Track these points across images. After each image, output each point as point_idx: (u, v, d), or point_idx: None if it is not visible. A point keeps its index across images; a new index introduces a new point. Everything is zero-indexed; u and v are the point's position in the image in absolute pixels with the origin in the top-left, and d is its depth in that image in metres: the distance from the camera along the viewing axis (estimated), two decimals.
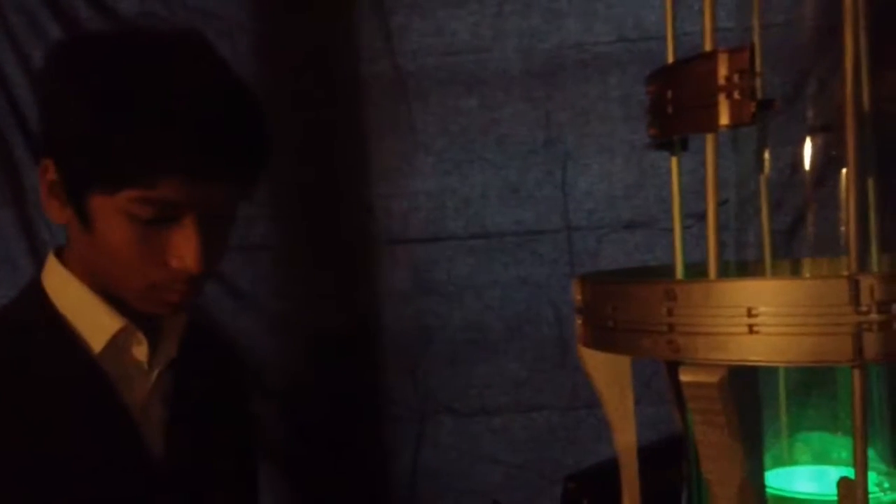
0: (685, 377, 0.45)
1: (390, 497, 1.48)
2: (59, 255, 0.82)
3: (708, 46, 0.49)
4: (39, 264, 0.84)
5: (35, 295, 0.81)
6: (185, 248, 0.74)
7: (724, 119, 0.47)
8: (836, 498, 0.49)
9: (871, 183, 0.64)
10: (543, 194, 1.39)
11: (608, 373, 0.59)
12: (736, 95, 0.47)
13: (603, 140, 1.36)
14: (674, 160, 0.60)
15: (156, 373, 0.82)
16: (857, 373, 0.45)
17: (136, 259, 0.75)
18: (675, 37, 0.59)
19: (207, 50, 0.78)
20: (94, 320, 0.79)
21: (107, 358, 0.79)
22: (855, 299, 0.42)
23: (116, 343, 0.79)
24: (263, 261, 1.47)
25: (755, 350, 0.43)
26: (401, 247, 1.45)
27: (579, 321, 0.57)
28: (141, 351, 0.81)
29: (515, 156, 1.40)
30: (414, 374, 1.45)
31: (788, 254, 0.70)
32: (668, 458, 0.67)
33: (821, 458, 0.62)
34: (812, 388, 0.63)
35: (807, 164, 0.69)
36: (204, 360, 0.90)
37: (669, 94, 0.51)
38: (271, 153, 0.81)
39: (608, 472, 0.62)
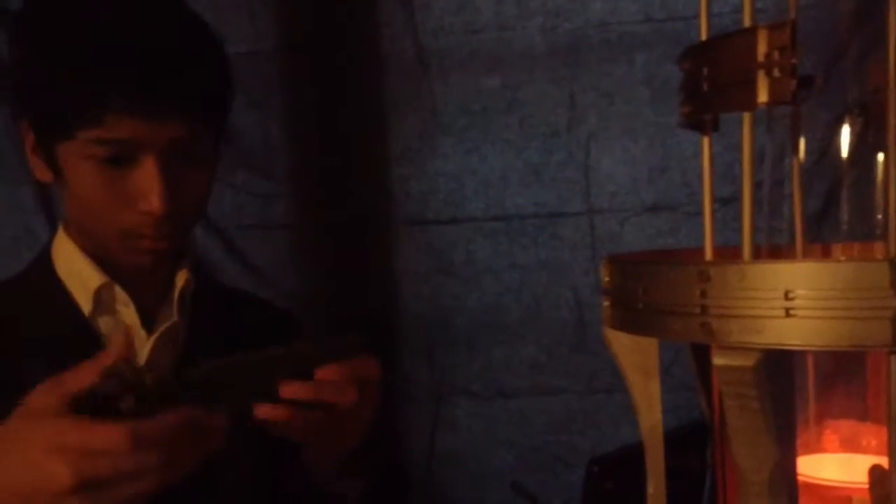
0: (719, 361, 0.44)
1: (407, 479, 1.48)
2: (64, 225, 0.85)
3: (747, 22, 0.48)
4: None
5: (42, 261, 0.83)
6: (147, 187, 0.75)
7: (762, 97, 0.46)
8: (865, 485, 0.48)
9: None
10: (565, 176, 1.38)
11: (635, 356, 0.57)
12: (776, 73, 0.45)
13: (627, 122, 1.35)
14: (705, 140, 0.58)
15: (154, 337, 0.82)
16: (893, 359, 0.44)
17: (105, 204, 0.76)
18: (709, 12, 0.58)
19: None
20: (81, 280, 0.81)
21: (98, 320, 0.81)
22: (895, 283, 0.41)
23: (101, 301, 0.81)
24: (282, 239, 1.46)
25: (791, 334, 0.42)
26: (419, 228, 1.45)
27: (607, 303, 0.56)
28: (128, 313, 0.82)
29: (537, 137, 1.38)
30: (430, 356, 1.45)
31: (817, 239, 0.69)
32: (691, 444, 0.67)
33: (849, 446, 0.61)
34: (841, 374, 0.62)
35: (838, 148, 0.68)
36: (237, 325, 0.89)
37: (705, 70, 0.50)
38: (231, 93, 0.81)
39: (632, 456, 0.61)
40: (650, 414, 0.59)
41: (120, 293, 0.81)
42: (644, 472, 0.60)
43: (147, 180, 0.75)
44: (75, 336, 0.80)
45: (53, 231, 0.86)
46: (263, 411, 0.68)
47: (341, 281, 1.48)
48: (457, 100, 1.40)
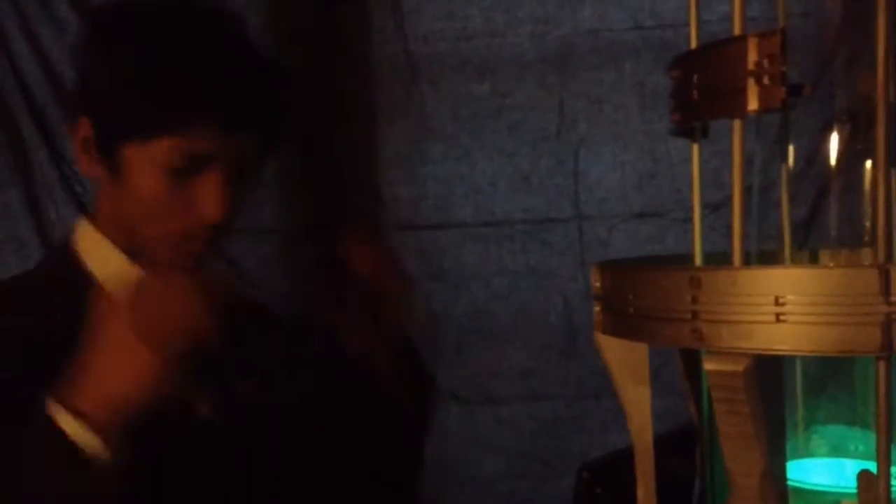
0: (709, 366, 0.44)
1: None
2: (91, 217, 0.86)
3: (737, 30, 0.48)
4: (46, 243, 0.86)
5: (65, 256, 0.84)
6: (211, 196, 0.78)
7: (752, 104, 0.46)
8: (854, 490, 0.49)
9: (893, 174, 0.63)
10: (554, 182, 1.38)
11: (625, 361, 0.58)
12: (765, 80, 0.46)
13: (616, 128, 1.36)
14: (695, 147, 0.59)
15: None
16: (881, 364, 0.44)
17: (164, 207, 0.79)
18: (699, 20, 0.58)
19: (240, 19, 0.84)
20: (118, 277, 0.80)
21: None
22: (885, 289, 0.41)
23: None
24: (271, 244, 1.46)
25: (782, 339, 0.43)
26: (408, 233, 1.45)
27: (597, 308, 0.56)
28: None
29: (527, 143, 1.39)
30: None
31: (805, 245, 0.70)
32: (681, 448, 0.67)
33: (838, 451, 0.62)
34: (829, 379, 0.63)
35: (827, 155, 0.69)
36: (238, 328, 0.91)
37: (695, 78, 0.50)
38: (290, 117, 0.86)
39: (622, 461, 0.62)
40: (640, 419, 0.60)
41: None
42: (634, 478, 0.60)
43: (211, 189, 0.78)
44: None
45: (41, 237, 0.86)
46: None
47: (329, 286, 1.48)
48: (447, 106, 1.40)
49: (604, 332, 0.55)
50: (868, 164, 0.64)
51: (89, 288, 0.80)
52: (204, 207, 0.78)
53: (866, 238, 0.63)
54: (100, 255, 0.83)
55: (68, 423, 0.64)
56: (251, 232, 1.42)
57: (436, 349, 1.44)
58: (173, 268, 0.81)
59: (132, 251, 0.82)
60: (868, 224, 0.64)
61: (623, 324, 0.52)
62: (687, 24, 0.57)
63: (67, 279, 0.83)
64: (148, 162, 0.77)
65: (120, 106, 0.78)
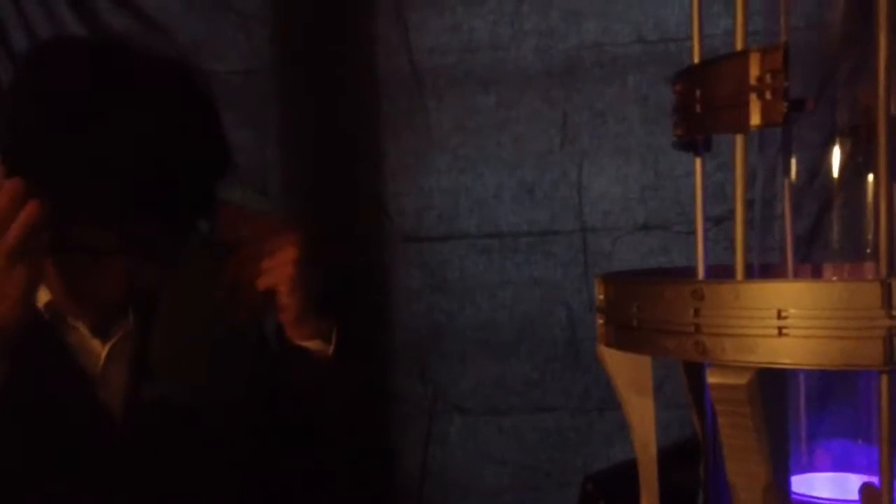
0: (713, 379, 0.44)
1: (398, 495, 1.47)
2: None
3: (739, 46, 0.49)
4: None
5: None
6: (112, 277, 0.78)
7: (755, 119, 0.46)
8: None
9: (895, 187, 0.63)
10: (558, 195, 1.39)
11: (628, 373, 0.58)
12: (768, 95, 0.46)
13: (620, 141, 1.36)
14: (698, 160, 0.59)
15: (111, 343, 0.85)
16: (884, 378, 0.44)
17: (69, 278, 0.78)
18: (701, 35, 0.59)
19: (186, 86, 0.77)
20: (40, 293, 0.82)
21: (57, 327, 0.84)
22: (887, 303, 0.41)
23: (54, 313, 0.83)
24: None
25: (784, 352, 0.43)
26: (413, 245, 1.45)
27: (600, 320, 0.56)
28: (80, 323, 0.84)
29: (531, 155, 1.39)
30: (423, 373, 1.45)
31: (807, 259, 0.70)
32: (683, 462, 0.67)
33: (841, 465, 0.62)
34: (832, 393, 0.63)
35: (828, 169, 0.69)
36: None
37: (698, 93, 0.51)
38: (213, 203, 0.80)
39: (626, 473, 0.62)
40: (643, 431, 0.60)
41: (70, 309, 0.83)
42: (638, 490, 0.60)
43: (114, 276, 0.77)
44: (37, 343, 0.80)
45: None
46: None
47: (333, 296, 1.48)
48: (451, 118, 1.41)
49: (607, 345, 0.55)
50: (870, 177, 0.64)
51: None
52: (106, 285, 0.78)
53: (869, 251, 0.63)
54: None
55: None
56: None
57: (440, 360, 1.45)
58: None
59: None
60: (870, 237, 0.64)
61: (626, 336, 0.52)
62: (690, 39, 0.58)
63: None
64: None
65: (20, 157, 0.72)
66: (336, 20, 1.45)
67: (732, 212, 0.50)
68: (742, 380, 0.43)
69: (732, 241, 0.50)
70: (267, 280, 0.82)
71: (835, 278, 0.64)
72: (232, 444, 0.88)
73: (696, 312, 0.46)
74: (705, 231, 0.58)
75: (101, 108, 0.72)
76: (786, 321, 0.43)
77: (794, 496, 0.55)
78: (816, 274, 0.67)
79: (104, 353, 0.85)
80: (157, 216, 0.75)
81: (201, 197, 0.78)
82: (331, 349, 0.87)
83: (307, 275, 0.82)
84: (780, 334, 0.43)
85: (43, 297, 0.82)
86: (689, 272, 0.60)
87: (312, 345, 0.87)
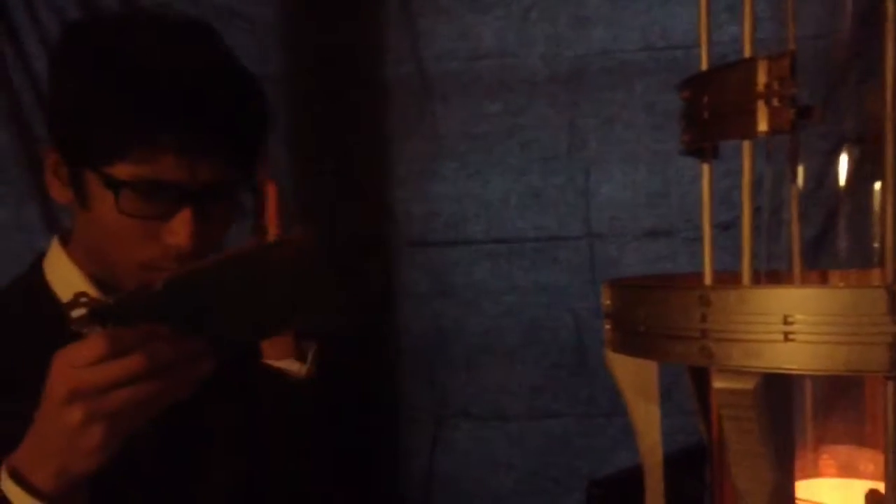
0: (719, 384, 0.45)
1: (404, 500, 1.47)
2: (64, 239, 0.84)
3: (747, 52, 0.49)
4: None
5: (34, 276, 0.83)
6: (177, 224, 0.75)
7: (762, 126, 0.47)
8: None
9: None
10: (565, 201, 1.39)
11: (635, 378, 0.58)
12: (775, 102, 0.46)
13: (627, 147, 1.36)
14: (705, 167, 0.59)
15: None
16: (890, 384, 0.44)
17: (130, 236, 0.76)
18: (709, 42, 0.59)
19: (209, 35, 0.79)
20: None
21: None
22: (893, 310, 0.42)
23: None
24: None
25: (790, 358, 0.43)
26: (420, 250, 1.45)
27: (607, 326, 0.56)
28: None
29: (538, 161, 1.40)
30: (430, 378, 1.45)
31: (814, 265, 0.70)
32: (690, 467, 0.67)
33: (846, 471, 0.62)
34: (838, 399, 0.63)
35: (835, 176, 0.69)
36: None
37: (706, 99, 0.51)
38: (266, 140, 0.82)
39: (632, 479, 0.62)
40: (650, 437, 0.60)
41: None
42: (643, 496, 0.60)
43: (178, 219, 0.75)
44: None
45: None
46: None
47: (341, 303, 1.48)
48: (459, 124, 1.41)
49: (614, 350, 0.56)
50: (877, 185, 0.64)
51: (55, 314, 0.77)
52: (172, 235, 0.75)
53: (875, 259, 0.63)
54: (66, 280, 0.80)
55: (18, 498, 0.62)
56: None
57: (447, 366, 1.45)
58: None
59: (100, 278, 0.80)
60: (877, 245, 0.64)
61: (633, 342, 0.52)
62: (697, 46, 0.58)
63: (36, 302, 0.81)
64: (109, 188, 0.74)
65: (78, 128, 0.75)
66: (345, 27, 1.45)
67: (739, 218, 0.50)
68: (748, 385, 0.44)
69: (739, 247, 0.50)
70: None
71: (841, 285, 0.64)
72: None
73: (703, 318, 0.46)
74: (712, 238, 0.58)
75: (147, 72, 0.73)
76: (792, 327, 0.43)
77: (799, 502, 0.55)
78: (823, 280, 0.67)
79: None
80: (222, 154, 0.75)
81: (253, 144, 0.79)
82: (305, 370, 0.85)
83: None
84: (787, 340, 0.43)
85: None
86: (696, 278, 0.61)
87: (286, 364, 0.85)
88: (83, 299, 0.62)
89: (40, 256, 0.85)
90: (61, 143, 0.78)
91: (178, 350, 0.62)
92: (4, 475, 0.63)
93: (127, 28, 0.79)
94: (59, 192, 0.80)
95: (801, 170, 0.65)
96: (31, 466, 0.62)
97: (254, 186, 0.83)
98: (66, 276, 0.81)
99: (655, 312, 0.49)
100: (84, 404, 0.60)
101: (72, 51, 0.78)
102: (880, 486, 0.46)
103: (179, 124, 0.72)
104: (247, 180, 0.81)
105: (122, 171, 0.73)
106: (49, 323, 0.78)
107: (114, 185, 0.73)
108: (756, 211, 0.61)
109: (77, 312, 0.61)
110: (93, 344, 0.60)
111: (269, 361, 0.85)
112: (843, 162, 0.66)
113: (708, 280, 0.58)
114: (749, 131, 0.47)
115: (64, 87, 0.78)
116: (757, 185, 0.55)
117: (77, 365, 0.60)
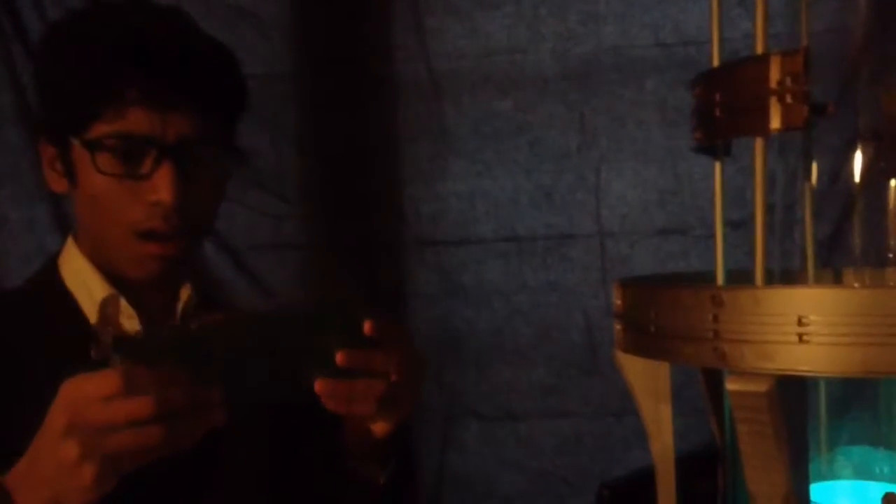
0: (732, 386, 0.44)
1: (415, 500, 1.47)
2: (75, 235, 0.86)
3: (760, 48, 0.48)
4: None
5: (49, 271, 0.84)
6: (157, 180, 0.76)
7: (775, 123, 0.46)
8: None
9: None
10: (576, 199, 1.38)
11: (646, 379, 0.57)
12: (788, 99, 0.46)
13: (638, 145, 1.35)
14: (717, 164, 0.59)
15: None
16: None
17: (116, 200, 0.77)
18: (721, 38, 0.58)
19: (182, 12, 0.82)
20: (89, 292, 0.82)
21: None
22: None
23: (105, 313, 0.81)
24: (293, 259, 1.47)
25: (805, 360, 0.42)
26: (430, 248, 1.45)
27: (618, 326, 0.56)
28: (132, 325, 0.82)
29: (548, 159, 1.39)
30: (440, 378, 1.45)
31: (828, 264, 0.69)
32: (702, 469, 0.66)
33: (862, 473, 0.61)
34: (853, 400, 0.62)
35: (850, 173, 0.68)
36: None
37: (718, 96, 0.50)
38: (243, 106, 0.84)
39: (644, 480, 0.61)
40: (661, 437, 0.59)
41: (125, 306, 0.82)
42: (655, 497, 0.60)
43: (158, 174, 0.76)
44: (81, 345, 0.80)
45: None
46: (323, 386, 0.66)
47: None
48: (468, 122, 1.41)
49: (625, 351, 0.55)
50: (892, 182, 0.63)
51: (68, 308, 0.80)
52: (152, 194, 0.76)
53: (890, 257, 0.62)
54: (77, 274, 0.82)
55: None
56: (273, 247, 1.43)
57: (457, 365, 1.44)
58: (143, 280, 0.79)
59: (107, 270, 0.81)
60: (892, 243, 0.63)
61: (644, 342, 0.52)
62: (709, 42, 0.58)
63: (51, 297, 0.82)
64: (91, 156, 0.76)
65: (57, 99, 0.79)
66: (354, 25, 1.45)
67: (752, 216, 0.49)
68: (762, 387, 0.43)
69: (752, 246, 0.49)
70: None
71: (856, 284, 0.63)
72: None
73: (715, 318, 0.45)
74: (725, 236, 0.57)
75: (103, 18, 0.79)
76: (806, 328, 0.42)
77: None
78: (837, 280, 0.66)
79: None
80: (191, 104, 0.77)
81: (223, 96, 0.81)
82: (383, 478, 0.82)
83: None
84: (801, 341, 0.42)
85: (101, 291, 0.81)
86: (708, 277, 0.60)
87: (365, 466, 0.81)
88: (111, 328, 0.61)
89: (56, 254, 0.86)
90: (47, 121, 0.81)
91: (191, 398, 0.61)
92: None
93: (102, 6, 0.83)
94: (57, 182, 0.82)
95: (814, 167, 0.65)
96: (22, 490, 0.61)
97: (234, 149, 0.84)
98: (77, 270, 0.82)
99: (666, 312, 0.49)
100: (81, 441, 0.58)
101: (49, 37, 0.82)
102: None
103: (146, 77, 0.75)
104: (225, 141, 0.82)
105: (97, 131, 0.76)
106: (61, 317, 0.81)
107: (90, 145, 0.75)
108: (769, 209, 0.61)
109: (104, 337, 0.60)
110: (103, 380, 0.59)
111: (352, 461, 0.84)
112: (858, 159, 0.65)
113: (720, 280, 0.57)
114: (762, 128, 0.47)
115: (44, 66, 0.82)
116: (770, 182, 0.54)
117: (84, 398, 0.59)
